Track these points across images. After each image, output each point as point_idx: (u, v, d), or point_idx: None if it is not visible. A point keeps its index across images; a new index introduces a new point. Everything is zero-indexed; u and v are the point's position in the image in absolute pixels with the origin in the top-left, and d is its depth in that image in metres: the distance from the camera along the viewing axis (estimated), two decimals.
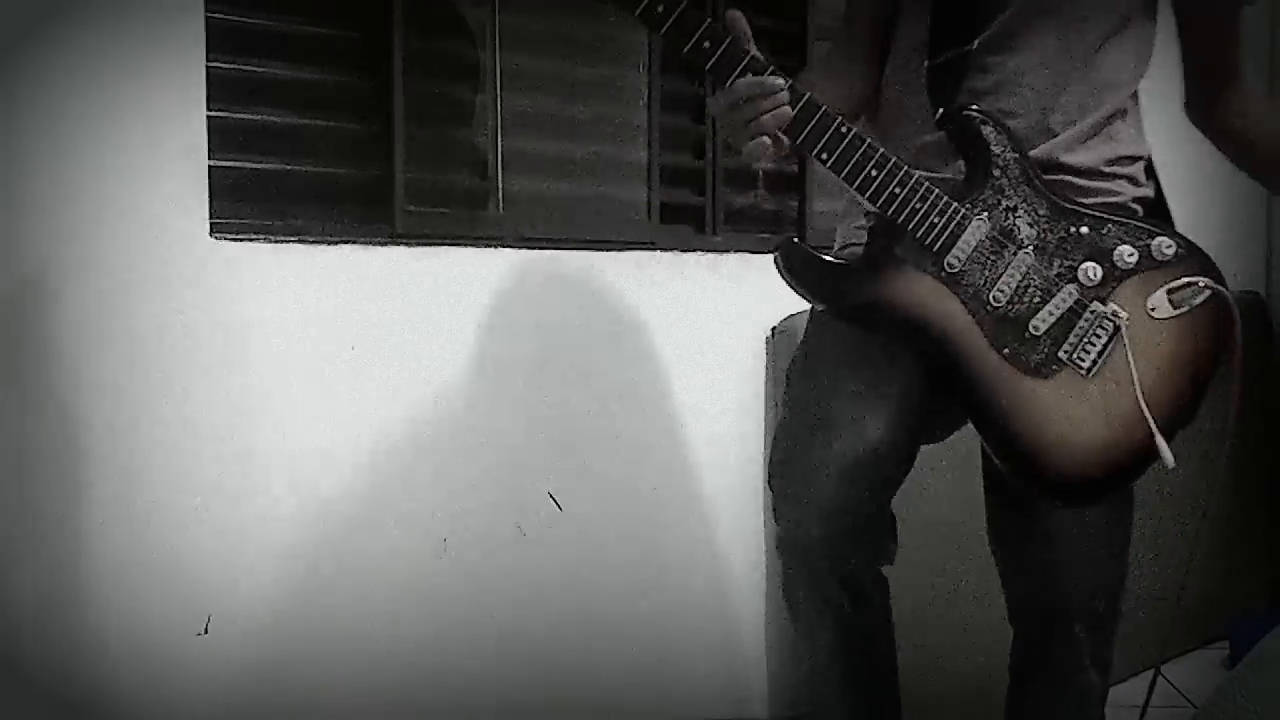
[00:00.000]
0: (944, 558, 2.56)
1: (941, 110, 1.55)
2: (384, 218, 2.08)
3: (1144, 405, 1.52)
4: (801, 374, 1.69)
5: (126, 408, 1.76)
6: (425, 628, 2.07)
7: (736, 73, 1.45)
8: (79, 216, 1.71)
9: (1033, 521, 1.68)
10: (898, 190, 1.49)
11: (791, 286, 1.55)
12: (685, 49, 1.45)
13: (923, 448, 1.70)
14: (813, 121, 1.47)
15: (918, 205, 1.50)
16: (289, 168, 2.00)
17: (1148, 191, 1.71)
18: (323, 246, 1.95)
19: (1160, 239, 1.57)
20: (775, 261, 1.54)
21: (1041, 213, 1.54)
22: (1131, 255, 1.55)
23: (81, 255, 1.72)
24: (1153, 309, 1.55)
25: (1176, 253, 1.57)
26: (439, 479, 2.08)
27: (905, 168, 1.50)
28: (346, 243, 1.98)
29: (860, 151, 1.49)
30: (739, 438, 2.49)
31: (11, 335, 1.67)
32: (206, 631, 1.84)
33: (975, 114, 1.54)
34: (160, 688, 1.80)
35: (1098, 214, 1.56)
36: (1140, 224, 1.59)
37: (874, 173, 1.49)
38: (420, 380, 2.06)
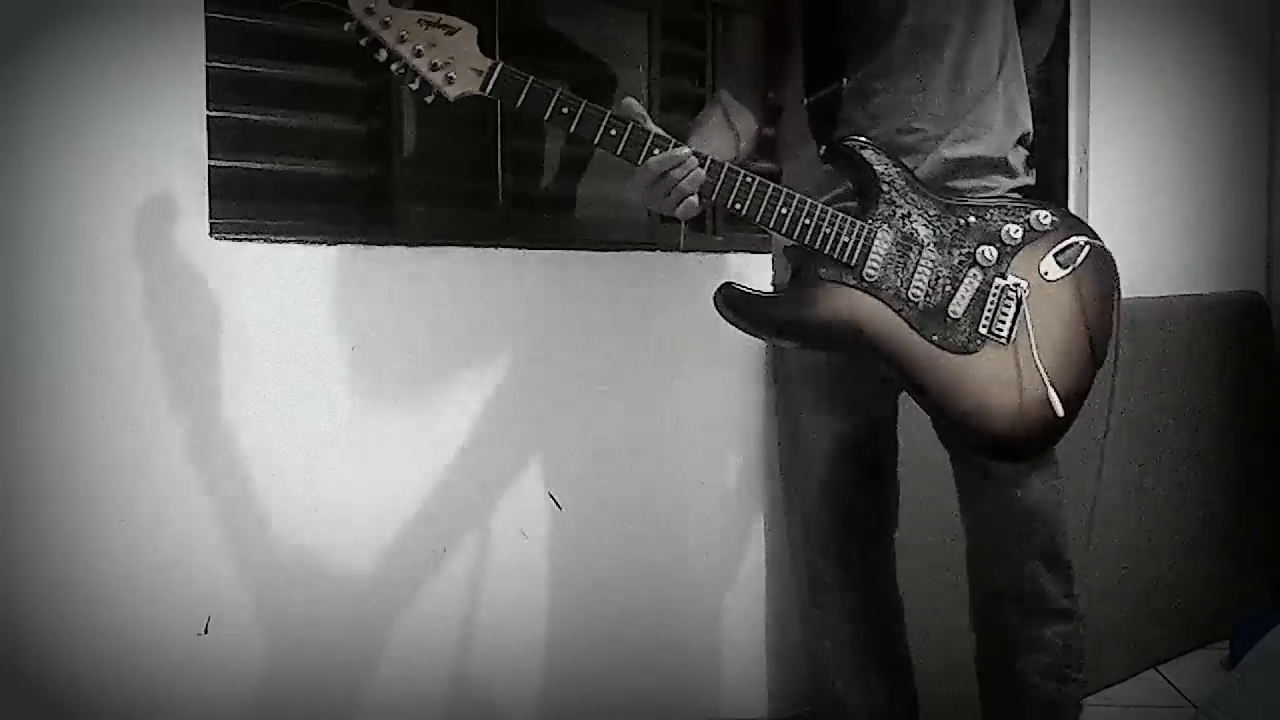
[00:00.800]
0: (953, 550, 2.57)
1: (824, 147, 1.77)
2: (384, 218, 2.08)
3: (1038, 362, 1.72)
4: (785, 380, 1.98)
5: (126, 408, 1.76)
6: (425, 628, 2.07)
7: (644, 152, 1.64)
8: (79, 216, 1.71)
9: (991, 480, 1.88)
10: (807, 221, 1.70)
11: (734, 323, 1.75)
12: (595, 140, 1.64)
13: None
14: (721, 179, 1.67)
15: (827, 230, 1.71)
16: (289, 168, 2.00)
17: (1028, 181, 1.91)
18: (323, 246, 1.95)
19: (1036, 212, 1.77)
20: (715, 304, 1.74)
21: (933, 213, 1.75)
22: (1017, 231, 1.76)
23: (81, 255, 1.72)
24: (1046, 273, 1.76)
25: (1053, 221, 1.78)
26: (439, 479, 2.08)
27: (809, 200, 1.70)
28: (346, 243, 1.98)
29: (767, 196, 1.68)
30: (739, 438, 2.49)
31: (11, 335, 1.67)
32: (206, 631, 1.84)
33: (852, 142, 1.75)
34: (160, 688, 1.80)
35: (979, 202, 1.78)
36: (1017, 203, 1.79)
37: (783, 210, 1.69)
38: (420, 380, 2.06)
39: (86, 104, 1.71)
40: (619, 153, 1.64)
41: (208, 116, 1.82)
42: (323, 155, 2.04)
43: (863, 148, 1.74)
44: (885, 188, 1.73)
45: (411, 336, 2.04)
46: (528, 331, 2.18)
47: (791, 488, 1.97)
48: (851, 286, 1.72)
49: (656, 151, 1.64)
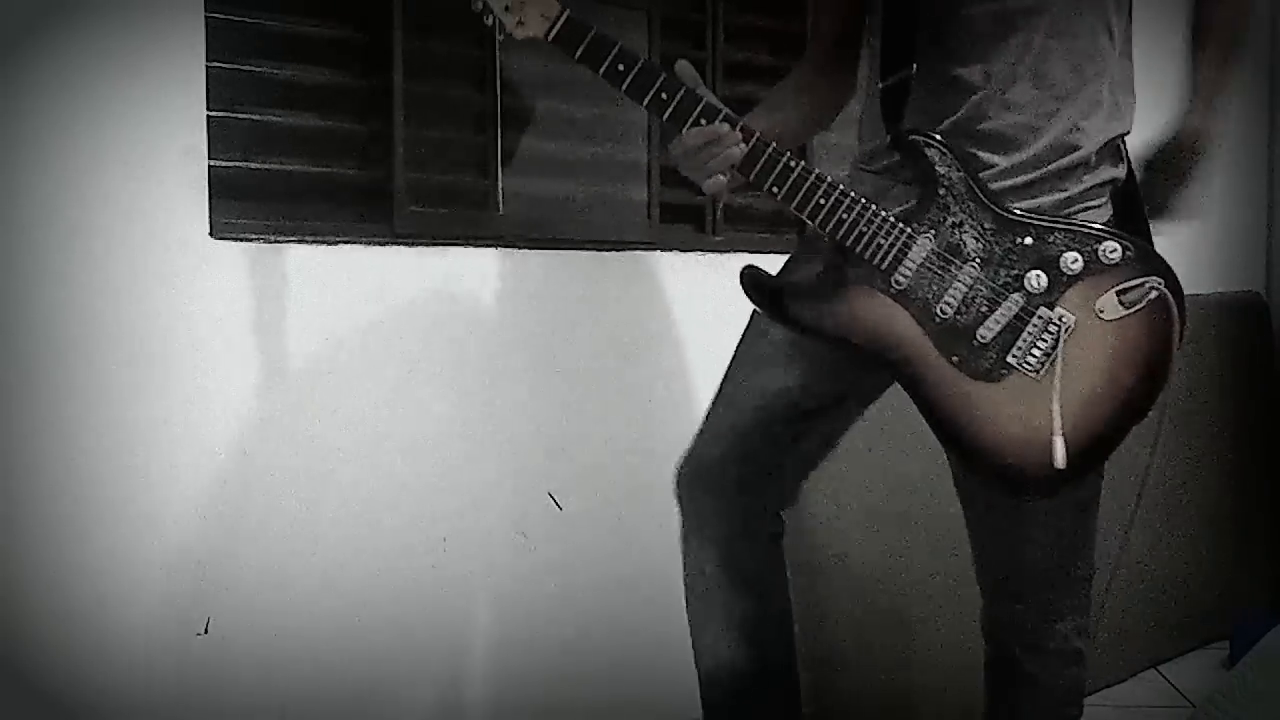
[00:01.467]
0: (950, 551, 2.57)
1: (891, 136, 1.66)
2: (384, 218, 2.08)
3: (1056, 404, 1.60)
4: (745, 334, 1.79)
5: (126, 407, 1.76)
6: (425, 628, 2.07)
7: (691, 120, 1.58)
8: (79, 216, 1.71)
9: (996, 505, 1.76)
10: (845, 216, 1.60)
11: (757, 305, 1.68)
12: (645, 102, 1.59)
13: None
14: (762, 160, 1.59)
15: (864, 229, 1.60)
16: (289, 168, 2.00)
17: (1116, 174, 1.76)
18: (323, 246, 1.95)
19: (1107, 244, 1.63)
20: (741, 284, 1.66)
21: (987, 226, 1.62)
22: (1076, 261, 1.62)
23: (82, 255, 1.72)
24: (1101, 311, 1.62)
25: (1124, 255, 1.63)
26: (439, 479, 2.08)
27: (850, 194, 1.60)
28: (346, 243, 1.98)
29: (808, 183, 1.60)
30: None
31: (11, 335, 1.67)
32: (206, 631, 1.84)
33: (919, 138, 1.63)
34: (160, 688, 1.80)
35: (1045, 223, 1.63)
36: (1088, 230, 1.64)
37: (822, 201, 1.60)
38: (420, 380, 2.06)
39: (86, 104, 1.71)
40: (666, 117, 1.58)
41: (208, 116, 1.82)
42: (323, 155, 2.04)
43: (927, 145, 1.62)
44: (942, 192, 1.61)
45: (411, 336, 2.04)
46: (527, 331, 2.18)
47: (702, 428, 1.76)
48: (877, 290, 1.61)
49: (703, 122, 1.57)
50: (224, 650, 1.86)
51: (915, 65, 1.65)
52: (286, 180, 2.00)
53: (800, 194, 1.60)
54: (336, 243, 1.97)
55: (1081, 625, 1.79)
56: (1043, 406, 1.60)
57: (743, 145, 1.57)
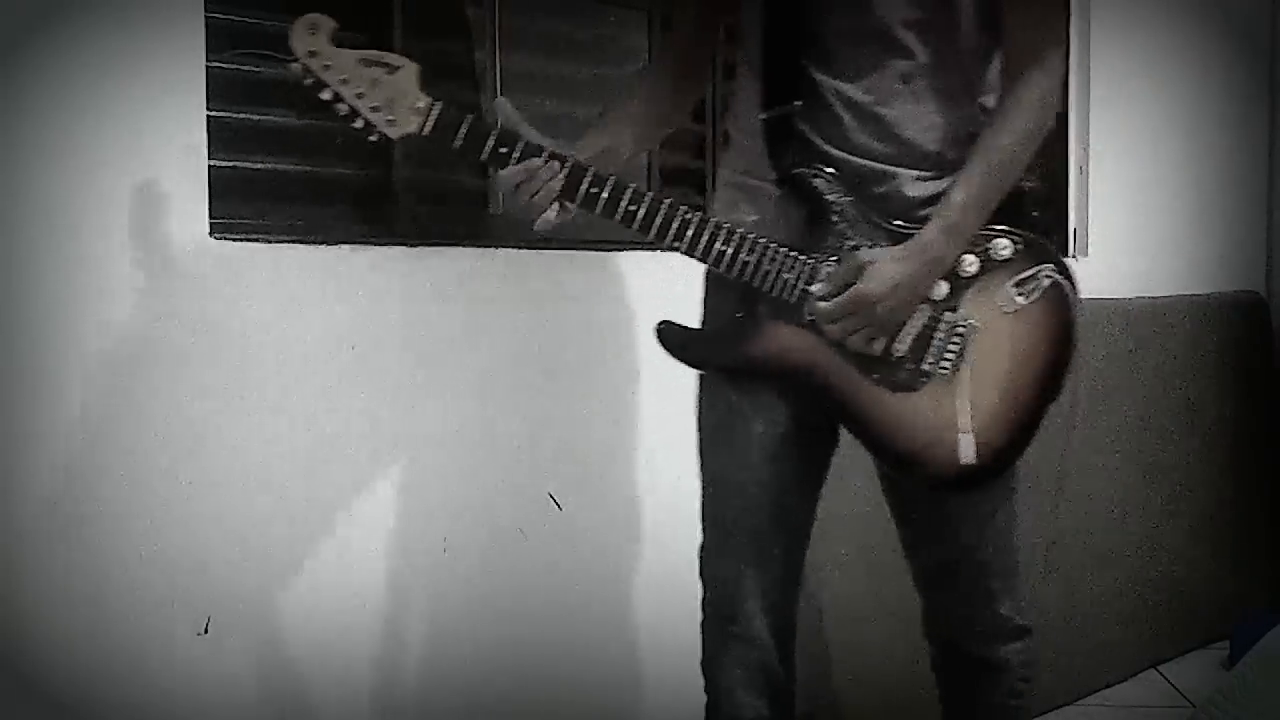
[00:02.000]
0: None
1: (777, 170, 1.68)
2: (384, 218, 2.08)
3: (963, 403, 1.65)
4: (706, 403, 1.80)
5: (126, 407, 1.76)
6: (425, 627, 2.07)
7: (581, 197, 1.61)
8: (79, 216, 1.71)
9: (927, 502, 1.79)
10: (748, 258, 1.63)
11: (677, 359, 1.70)
12: (465, 150, 1.59)
13: None
14: (659, 220, 1.61)
15: (769, 267, 1.63)
16: (289, 168, 2.00)
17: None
18: (323, 246, 1.95)
19: (997, 241, 1.67)
20: (658, 340, 1.70)
21: (883, 245, 1.65)
22: (972, 264, 1.66)
23: (82, 255, 1.72)
24: (1002, 305, 1.67)
25: (1014, 250, 1.67)
26: (439, 479, 2.08)
27: (751, 236, 1.63)
28: (346, 243, 1.98)
29: (706, 235, 1.62)
30: None
31: (10, 334, 1.67)
32: (206, 631, 1.84)
33: (805, 170, 1.66)
34: (160, 688, 1.80)
35: None
36: (981, 231, 1.67)
37: (724, 249, 1.63)
38: (420, 380, 2.06)
39: (86, 104, 1.71)
40: (483, 159, 1.60)
41: (208, 116, 1.82)
42: (323, 155, 2.04)
43: (815, 175, 1.66)
44: (835, 218, 1.65)
45: (411, 336, 2.04)
46: (527, 331, 2.18)
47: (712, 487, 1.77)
48: (791, 324, 1.65)
49: (516, 163, 1.59)
50: (224, 650, 1.86)
51: (800, 101, 1.67)
52: (286, 180, 2.00)
53: (702, 245, 1.63)
54: (336, 243, 1.96)
55: (1019, 604, 1.82)
56: (960, 406, 1.66)
57: (562, 179, 1.59)
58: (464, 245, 2.12)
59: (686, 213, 1.62)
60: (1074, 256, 3.28)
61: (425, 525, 2.07)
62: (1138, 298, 3.26)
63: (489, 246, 2.15)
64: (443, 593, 2.09)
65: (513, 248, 2.17)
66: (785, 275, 1.64)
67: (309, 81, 1.57)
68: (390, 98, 1.56)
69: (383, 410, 2.01)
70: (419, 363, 2.05)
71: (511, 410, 2.17)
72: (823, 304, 1.63)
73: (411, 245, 2.05)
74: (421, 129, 1.57)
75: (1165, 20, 3.48)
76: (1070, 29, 3.29)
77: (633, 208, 1.62)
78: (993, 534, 1.78)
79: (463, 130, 1.57)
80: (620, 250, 2.32)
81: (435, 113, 1.57)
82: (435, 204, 2.15)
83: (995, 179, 1.67)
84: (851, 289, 1.61)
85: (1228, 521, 3.44)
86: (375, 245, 2.01)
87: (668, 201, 1.62)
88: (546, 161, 1.59)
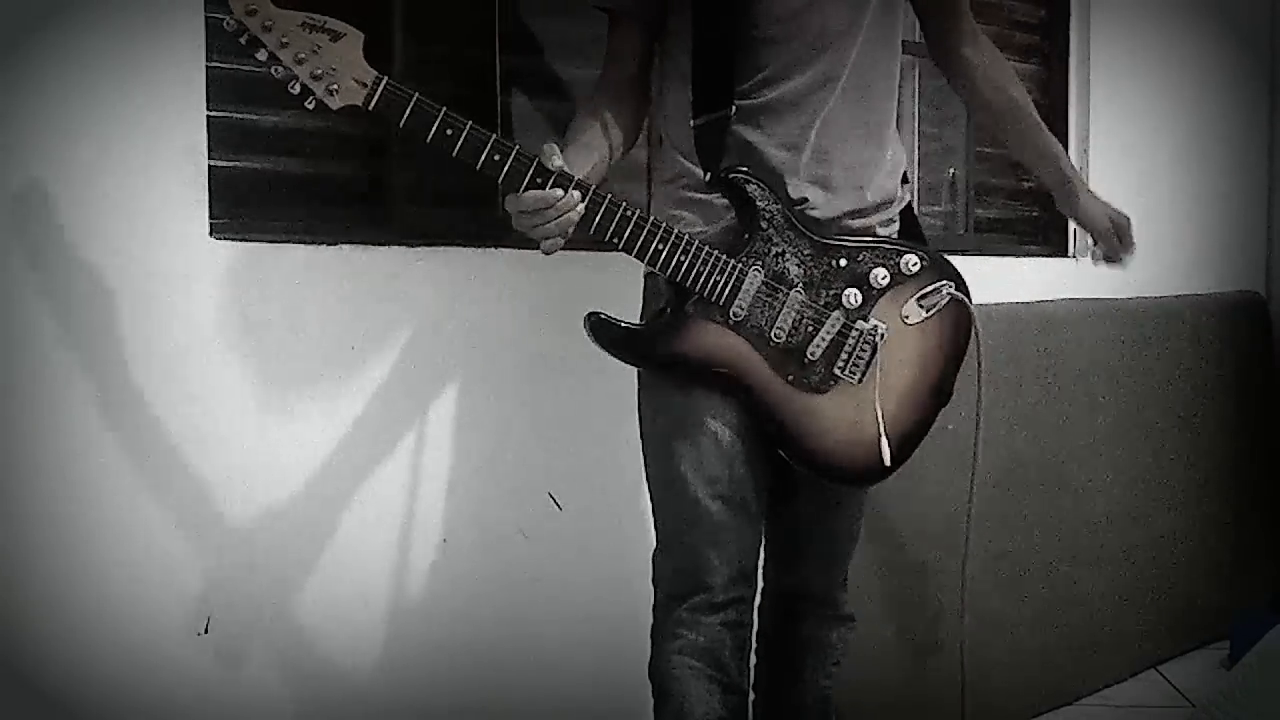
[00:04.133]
0: (932, 551, 2.57)
1: (709, 174, 1.75)
2: (384, 218, 2.08)
3: (878, 408, 1.76)
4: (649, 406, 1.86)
5: (126, 407, 1.76)
6: (425, 627, 2.07)
7: (526, 182, 1.59)
8: (79, 216, 1.71)
9: (817, 492, 1.90)
10: (682, 259, 1.70)
11: (605, 350, 1.75)
12: (479, 166, 1.58)
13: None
14: (600, 213, 1.64)
15: (700, 268, 1.70)
16: (289, 168, 2.00)
17: (906, 196, 1.91)
18: (323, 246, 1.95)
19: (907, 256, 1.79)
20: (586, 330, 1.74)
21: (806, 253, 1.75)
22: (884, 276, 1.78)
23: (82, 255, 1.72)
24: (906, 316, 1.79)
25: (921, 266, 1.80)
26: (439, 479, 2.08)
27: (686, 237, 1.70)
28: (346, 243, 1.98)
29: (645, 231, 1.68)
30: None
31: (11, 335, 1.67)
32: (206, 631, 1.84)
33: (739, 175, 1.73)
34: (160, 688, 1.80)
35: (854, 244, 1.78)
36: (891, 246, 1.80)
37: (659, 247, 1.69)
38: (420, 380, 2.06)
39: (87, 104, 1.71)
40: (500, 181, 1.58)
41: (208, 116, 1.82)
42: (323, 155, 2.04)
43: (747, 182, 1.73)
44: (764, 225, 1.73)
45: (411, 336, 2.04)
46: (527, 331, 2.18)
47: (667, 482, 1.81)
48: (718, 324, 1.72)
49: (539, 182, 1.59)
50: (224, 650, 1.86)
51: (734, 106, 1.75)
52: (286, 180, 2.00)
53: (640, 242, 1.68)
54: (336, 243, 1.97)
55: (845, 587, 1.98)
56: (866, 409, 1.76)
57: (580, 207, 1.62)
58: (464, 245, 2.12)
59: (628, 210, 1.66)
60: (1074, 257, 3.29)
61: (425, 525, 2.07)
62: (1138, 298, 3.26)
63: (489, 246, 2.15)
64: (443, 593, 2.09)
65: (513, 248, 2.17)
66: (716, 277, 1.71)
67: (244, 40, 1.52)
68: (333, 66, 1.52)
69: (382, 410, 2.01)
70: (419, 363, 2.05)
71: (512, 410, 2.17)
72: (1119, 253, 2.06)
73: (411, 245, 2.05)
74: (366, 104, 1.54)
75: (1165, 20, 3.48)
76: (1070, 29, 3.30)
77: (621, 219, 1.66)
78: (852, 524, 1.95)
79: (409, 109, 1.54)
80: (621, 250, 2.32)
81: (381, 88, 1.54)
82: (435, 204, 2.15)
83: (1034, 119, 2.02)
84: (1118, 221, 2.07)
85: (1228, 521, 3.44)
86: (375, 245, 2.01)
87: (608, 197, 1.65)
88: (569, 191, 1.61)
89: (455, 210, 2.21)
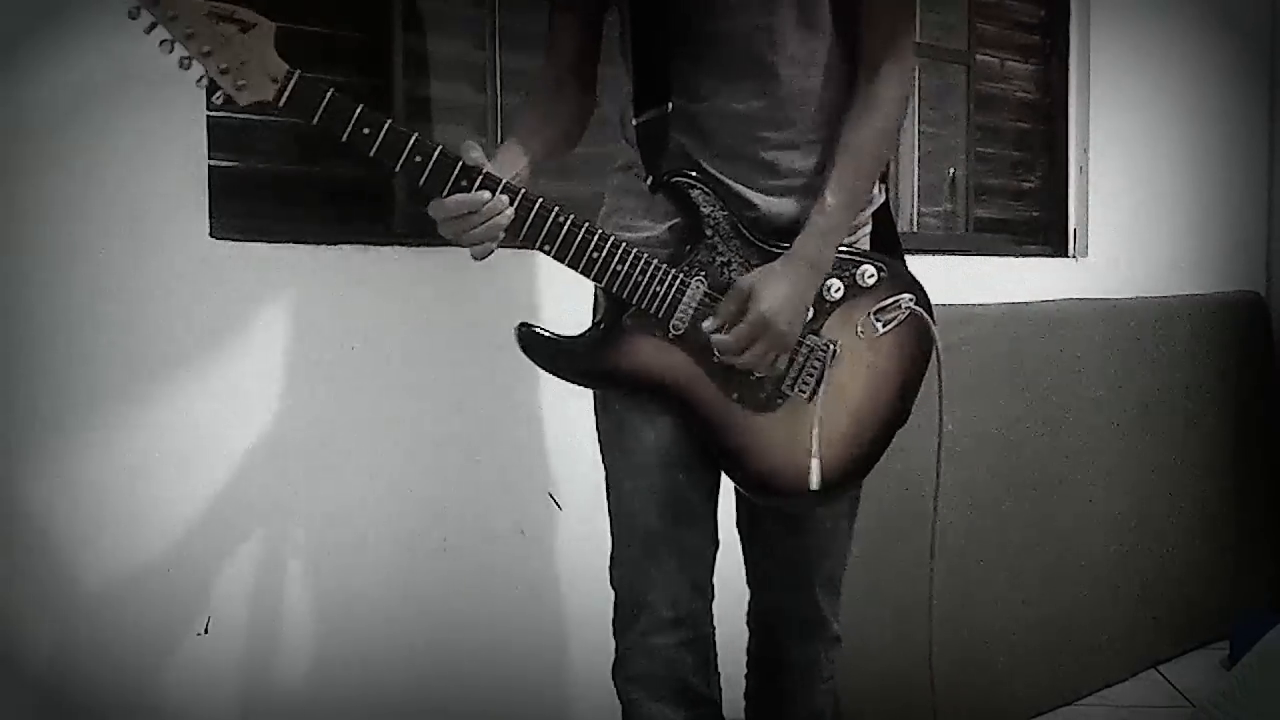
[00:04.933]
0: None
1: (651, 177, 1.64)
2: (384, 218, 2.08)
3: (815, 429, 1.64)
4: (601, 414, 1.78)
5: (127, 407, 1.76)
6: (425, 627, 2.07)
7: (450, 185, 1.50)
8: (79, 216, 1.71)
9: (774, 517, 1.80)
10: (619, 268, 1.59)
11: (536, 363, 1.66)
12: (397, 166, 1.49)
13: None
14: (530, 219, 1.54)
15: (639, 279, 1.60)
16: (289, 168, 2.00)
17: (880, 197, 1.78)
18: (323, 246, 1.95)
19: (864, 267, 1.67)
20: (517, 342, 1.64)
21: (754, 262, 1.63)
22: (838, 289, 1.66)
23: (82, 255, 1.72)
24: (861, 331, 1.67)
25: (879, 278, 1.67)
26: (439, 478, 2.08)
27: (624, 244, 1.59)
28: (346, 243, 1.98)
29: (579, 239, 1.57)
30: None
31: (11, 335, 1.67)
32: (206, 631, 1.84)
33: (683, 179, 1.63)
34: (160, 688, 1.80)
35: None
36: (847, 255, 1.67)
37: (595, 255, 1.58)
38: (420, 380, 2.06)
39: (86, 104, 1.71)
40: (421, 184, 1.50)
41: (208, 116, 1.82)
42: (323, 155, 2.04)
43: (691, 187, 1.63)
44: (709, 232, 1.62)
45: (411, 336, 2.04)
46: None
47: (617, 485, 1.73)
48: (657, 338, 1.62)
49: (464, 184, 1.50)
50: (224, 650, 1.86)
51: (671, 104, 1.64)
52: (286, 180, 2.00)
53: (572, 250, 1.57)
54: (336, 243, 1.96)
55: (837, 612, 1.86)
56: (811, 428, 1.64)
57: (509, 210, 1.53)
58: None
59: (559, 215, 1.56)
60: (1074, 257, 3.29)
61: (425, 525, 2.07)
62: (1138, 298, 3.26)
63: None
64: (443, 593, 2.09)
65: (512, 248, 2.17)
66: (656, 288, 1.60)
67: (148, 31, 1.42)
68: (242, 60, 1.43)
69: (383, 410, 2.01)
70: (419, 362, 2.05)
71: (512, 410, 2.17)
72: (721, 337, 1.60)
73: (411, 245, 2.05)
74: (277, 100, 1.45)
75: (1165, 20, 3.48)
76: (1070, 29, 3.30)
77: (553, 225, 1.56)
78: (829, 546, 1.81)
79: (322, 106, 1.46)
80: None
81: (293, 83, 1.45)
82: None
83: (862, 178, 1.66)
84: (749, 315, 1.58)
85: (1228, 521, 3.44)
86: (375, 245, 2.01)
87: (539, 201, 1.55)
88: (497, 193, 1.52)
89: None
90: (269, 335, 1.89)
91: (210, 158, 1.83)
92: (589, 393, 2.25)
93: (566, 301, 2.24)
